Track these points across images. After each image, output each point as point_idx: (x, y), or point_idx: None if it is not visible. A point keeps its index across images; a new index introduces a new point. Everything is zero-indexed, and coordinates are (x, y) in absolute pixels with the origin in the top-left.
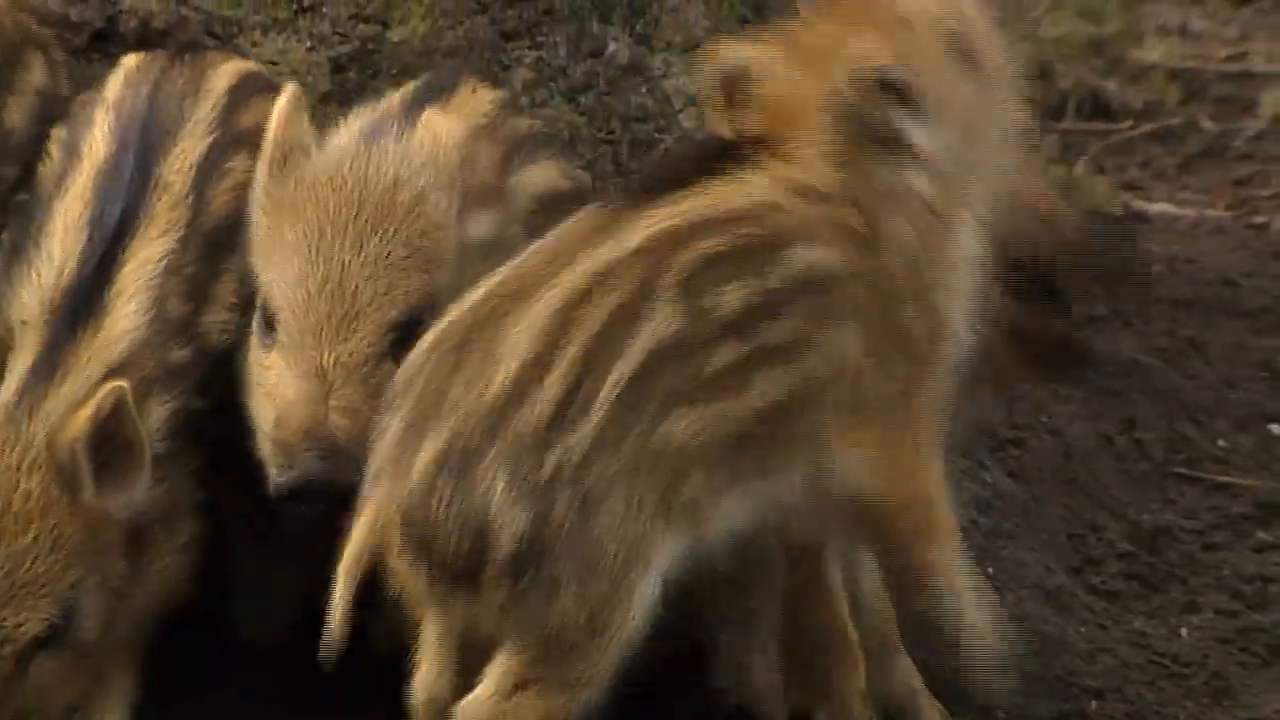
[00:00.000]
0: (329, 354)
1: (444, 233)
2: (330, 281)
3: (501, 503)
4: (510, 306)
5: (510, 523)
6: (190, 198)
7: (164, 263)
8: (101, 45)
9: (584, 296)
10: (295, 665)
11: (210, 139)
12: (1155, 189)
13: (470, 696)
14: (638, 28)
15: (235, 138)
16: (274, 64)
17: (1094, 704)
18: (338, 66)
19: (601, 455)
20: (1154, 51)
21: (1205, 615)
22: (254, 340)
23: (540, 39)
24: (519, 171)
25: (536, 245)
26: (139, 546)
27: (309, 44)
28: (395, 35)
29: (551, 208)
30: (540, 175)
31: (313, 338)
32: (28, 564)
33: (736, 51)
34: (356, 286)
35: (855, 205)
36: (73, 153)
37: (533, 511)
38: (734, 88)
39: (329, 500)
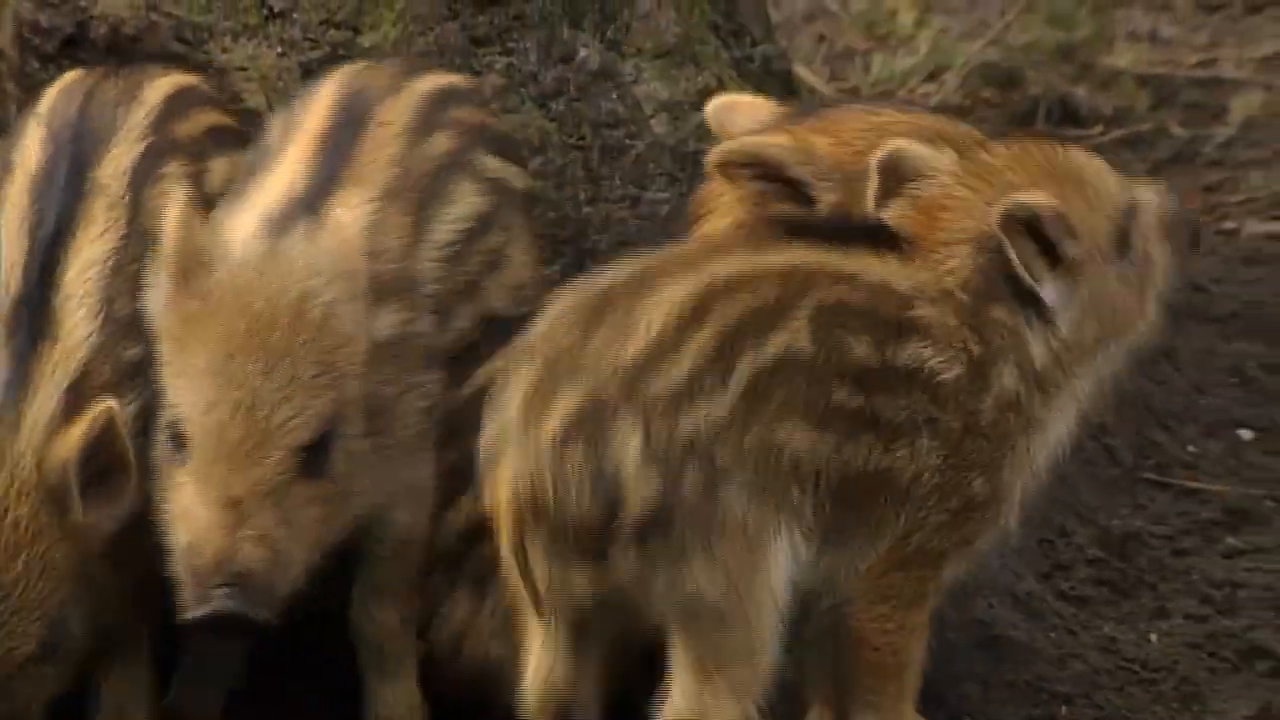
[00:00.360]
0: (241, 483)
1: (354, 344)
2: (241, 408)
3: (635, 463)
4: (650, 282)
5: (642, 485)
6: (127, 198)
7: (108, 263)
8: (72, 51)
9: (723, 290)
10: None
11: (144, 144)
12: None
13: (668, 707)
14: (608, 33)
15: (170, 144)
16: (244, 69)
17: (1063, 709)
18: (308, 72)
19: (730, 435)
20: (1123, 57)
21: (1175, 621)
22: (162, 452)
23: (511, 45)
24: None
25: (671, 247)
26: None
27: (279, 49)
28: (366, 40)
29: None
30: (461, 207)
31: (224, 466)
32: (19, 591)
33: (914, 149)
34: (268, 413)
35: (978, 336)
36: (5, 165)
37: (664, 476)
38: (899, 178)
39: (242, 633)
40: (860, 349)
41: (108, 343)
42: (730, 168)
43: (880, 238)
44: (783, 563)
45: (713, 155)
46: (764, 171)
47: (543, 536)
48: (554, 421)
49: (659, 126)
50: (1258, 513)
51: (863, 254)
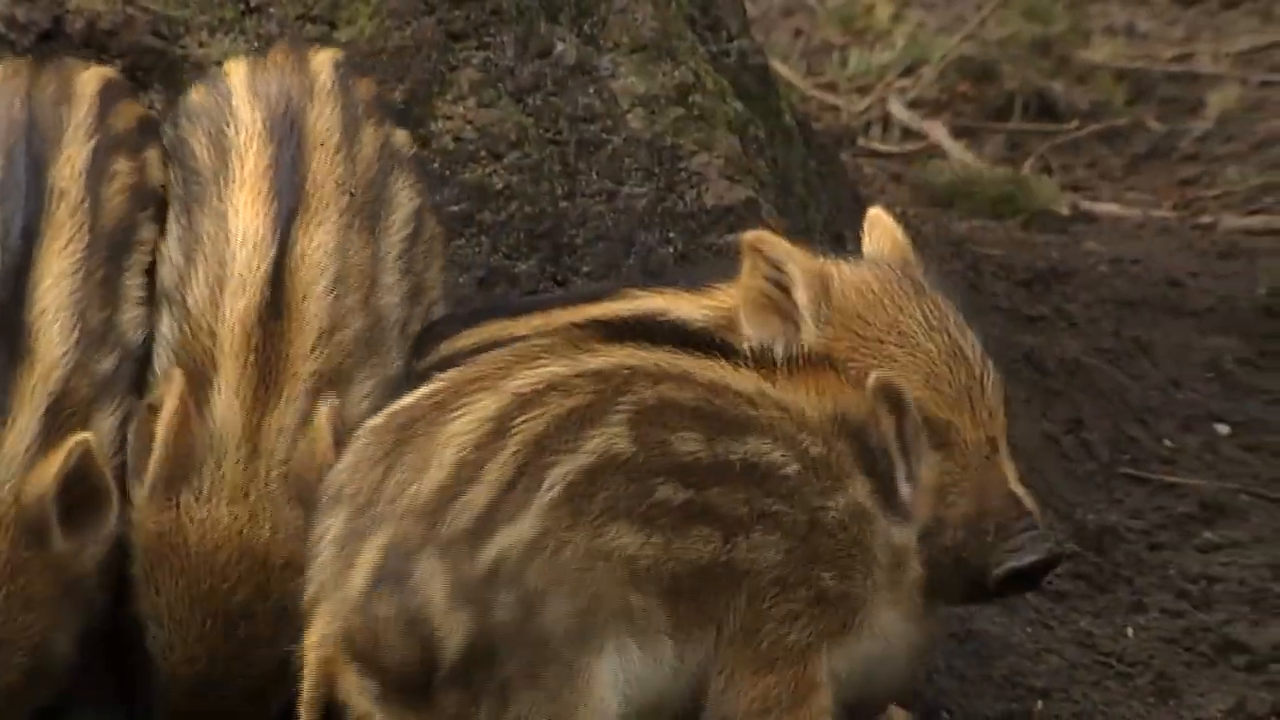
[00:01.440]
0: (195, 706)
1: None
2: (198, 661)
3: (442, 605)
4: (446, 408)
5: (454, 627)
6: (86, 202)
7: (78, 273)
8: (48, 46)
9: (528, 402)
10: None
11: (92, 142)
12: (1102, 189)
13: None
14: (585, 28)
15: (113, 140)
16: (220, 64)
17: (1040, 704)
18: None
19: (544, 553)
20: (1100, 51)
21: (1151, 615)
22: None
23: (487, 39)
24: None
25: (474, 361)
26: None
27: (256, 44)
28: (343, 35)
29: None
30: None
31: (180, 694)
32: (1, 620)
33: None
34: (225, 666)
35: (830, 456)
36: None
37: (475, 613)
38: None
39: None
40: (687, 446)
41: (83, 358)
42: (758, 254)
43: (725, 344)
44: (614, 679)
45: (753, 236)
46: (776, 278)
47: (370, 686)
48: (361, 572)
49: (635, 121)
50: (1234, 507)
51: (702, 356)
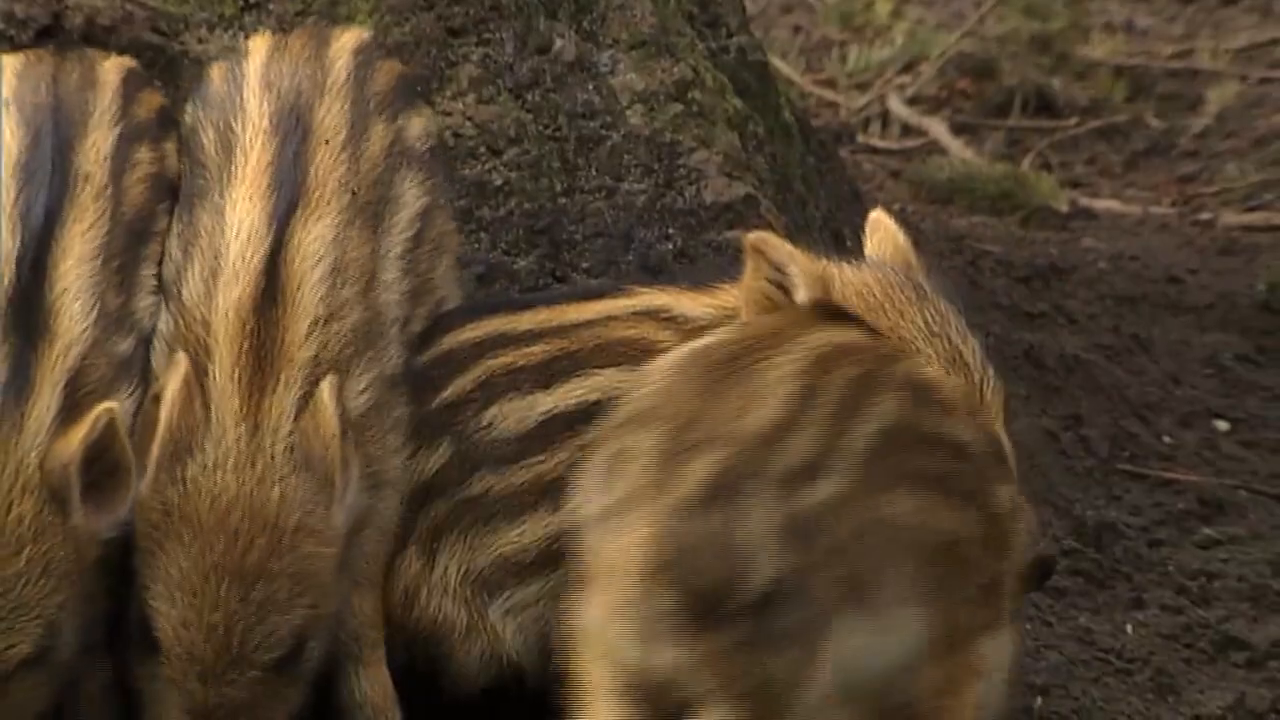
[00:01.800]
0: (213, 696)
1: (331, 553)
2: (216, 631)
3: (762, 536)
4: (759, 354)
5: (767, 560)
6: (109, 188)
7: (99, 257)
8: (46, 42)
9: (829, 359)
10: None
11: (117, 130)
12: (1101, 186)
13: None
14: (584, 24)
15: (136, 129)
16: (219, 59)
17: (1039, 700)
18: None
19: (847, 509)
20: (1099, 48)
21: (1150, 611)
22: (135, 641)
23: (487, 35)
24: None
25: (749, 322)
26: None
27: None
28: (345, 28)
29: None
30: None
31: (197, 681)
32: (19, 588)
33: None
34: (242, 636)
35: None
36: None
37: (788, 552)
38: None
39: None
40: (936, 417)
41: (101, 338)
42: (760, 256)
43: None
44: (863, 647)
45: (756, 237)
46: (778, 279)
47: (662, 597)
48: (689, 485)
49: (635, 117)
50: (1233, 503)
51: None
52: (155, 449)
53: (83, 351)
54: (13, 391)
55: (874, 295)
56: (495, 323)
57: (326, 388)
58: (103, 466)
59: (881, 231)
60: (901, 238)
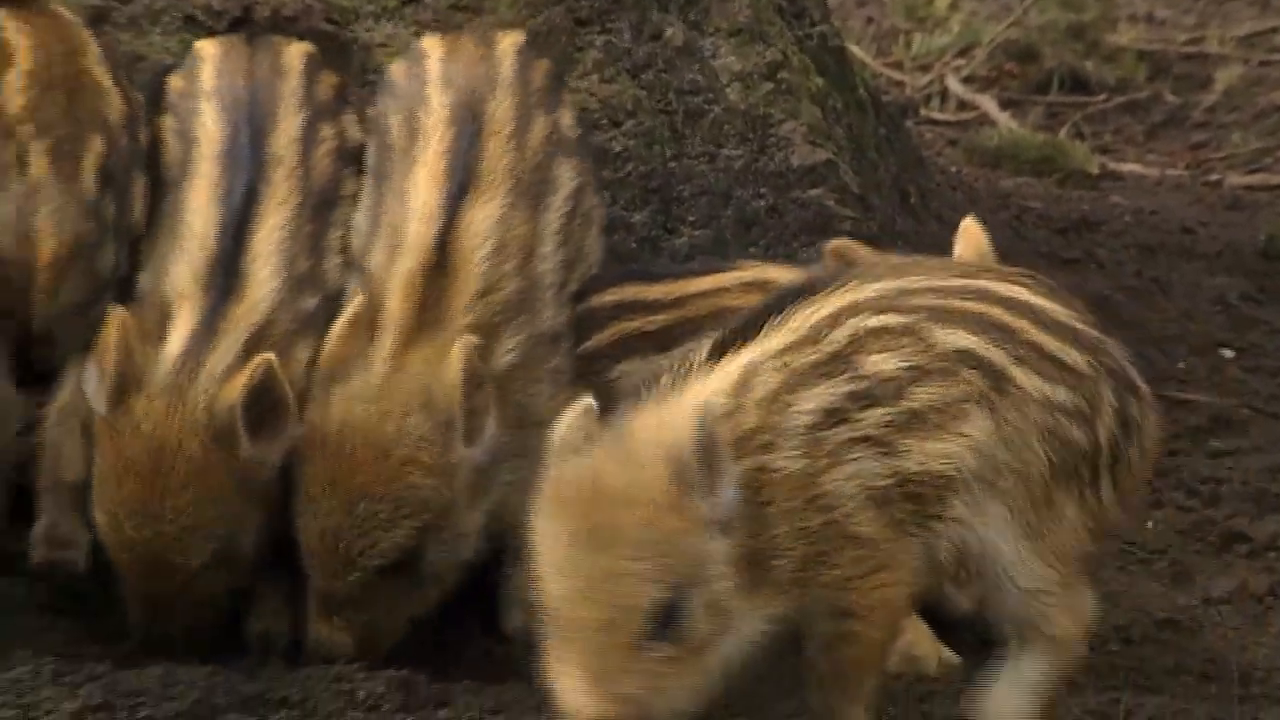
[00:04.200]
0: (327, 588)
1: (441, 483)
2: (326, 536)
3: None
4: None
5: None
6: (299, 167)
7: (289, 226)
8: (238, 30)
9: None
10: None
11: (303, 113)
12: (1126, 152)
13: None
14: (691, 15)
15: (318, 110)
16: (384, 45)
17: None
18: None
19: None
20: (1125, 36)
21: (1167, 510)
22: None
23: (609, 25)
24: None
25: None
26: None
27: (414, 29)
28: (487, 20)
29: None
30: (564, 190)
31: (317, 573)
32: (192, 511)
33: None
34: (347, 544)
35: None
36: (188, 139)
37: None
38: None
39: None
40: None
41: (288, 297)
42: (840, 257)
43: None
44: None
45: (836, 243)
46: None
47: None
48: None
49: (733, 94)
50: (1237, 420)
51: None
52: (321, 364)
53: (269, 309)
54: (198, 344)
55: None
56: (631, 290)
57: (458, 346)
58: (265, 406)
59: (968, 236)
60: (985, 241)
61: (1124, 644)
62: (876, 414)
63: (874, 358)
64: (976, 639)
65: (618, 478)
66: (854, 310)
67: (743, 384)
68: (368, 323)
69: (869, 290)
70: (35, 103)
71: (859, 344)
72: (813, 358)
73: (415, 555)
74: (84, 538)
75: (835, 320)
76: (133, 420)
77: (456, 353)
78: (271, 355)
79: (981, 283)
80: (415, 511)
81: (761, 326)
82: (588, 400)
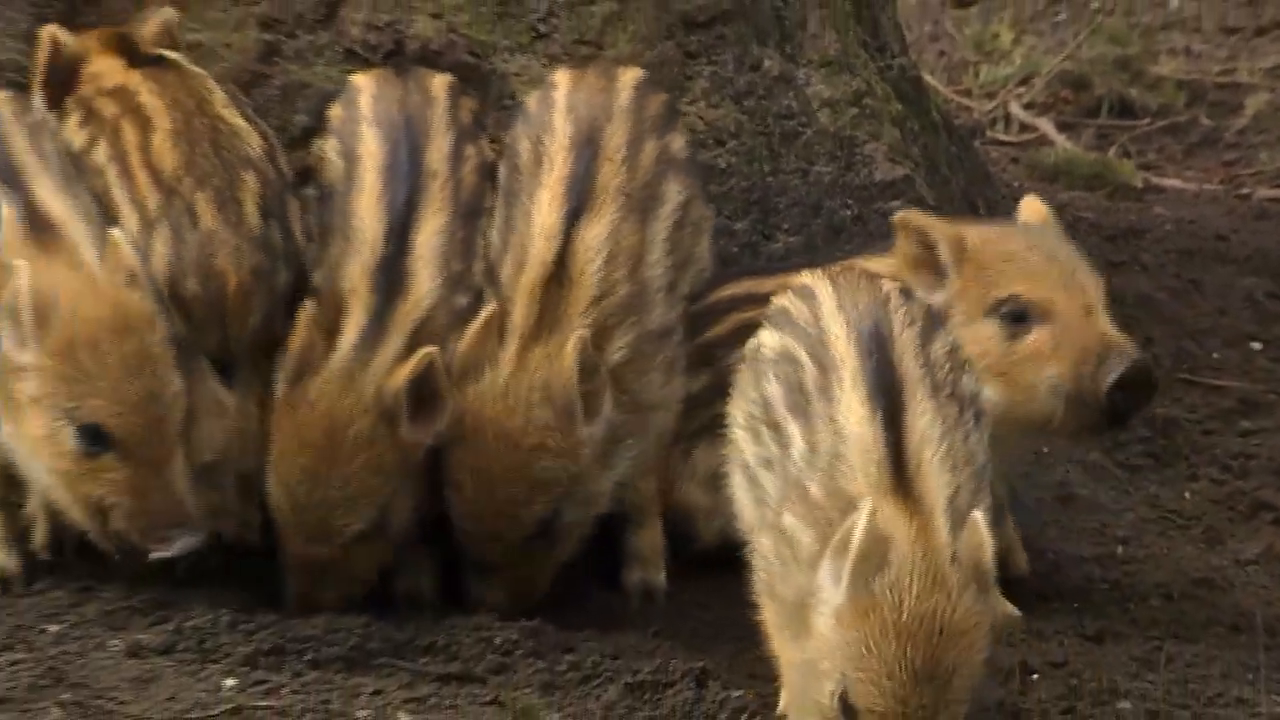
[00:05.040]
0: (481, 552)
1: (567, 463)
2: (477, 512)
3: None
4: None
5: None
6: (451, 180)
7: (445, 232)
8: (390, 62)
9: None
10: None
11: (451, 134)
12: (1167, 169)
13: None
14: (786, 49)
15: (462, 131)
16: (518, 75)
17: (1120, 548)
18: None
19: None
20: (1165, 67)
21: (1203, 483)
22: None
23: (715, 58)
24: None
25: None
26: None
27: (544, 61)
28: (609, 54)
29: None
30: (672, 203)
31: (474, 540)
32: (356, 482)
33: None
34: (494, 518)
35: None
36: (351, 157)
37: None
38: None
39: None
40: None
41: (445, 295)
42: (907, 228)
43: None
44: None
45: (902, 214)
46: (923, 241)
47: None
48: None
49: (823, 118)
50: (1264, 404)
51: None
52: (456, 363)
53: (430, 306)
54: (369, 336)
55: (993, 237)
56: (747, 284)
57: (570, 344)
58: (425, 394)
59: (1030, 206)
60: (1044, 208)
61: (1164, 600)
62: None
63: None
64: (1035, 594)
65: None
66: None
67: None
68: (498, 328)
69: None
70: (187, 158)
71: None
72: None
73: (553, 521)
74: (248, 511)
75: None
76: (309, 399)
77: (569, 347)
78: (434, 349)
79: None
80: (548, 488)
81: None
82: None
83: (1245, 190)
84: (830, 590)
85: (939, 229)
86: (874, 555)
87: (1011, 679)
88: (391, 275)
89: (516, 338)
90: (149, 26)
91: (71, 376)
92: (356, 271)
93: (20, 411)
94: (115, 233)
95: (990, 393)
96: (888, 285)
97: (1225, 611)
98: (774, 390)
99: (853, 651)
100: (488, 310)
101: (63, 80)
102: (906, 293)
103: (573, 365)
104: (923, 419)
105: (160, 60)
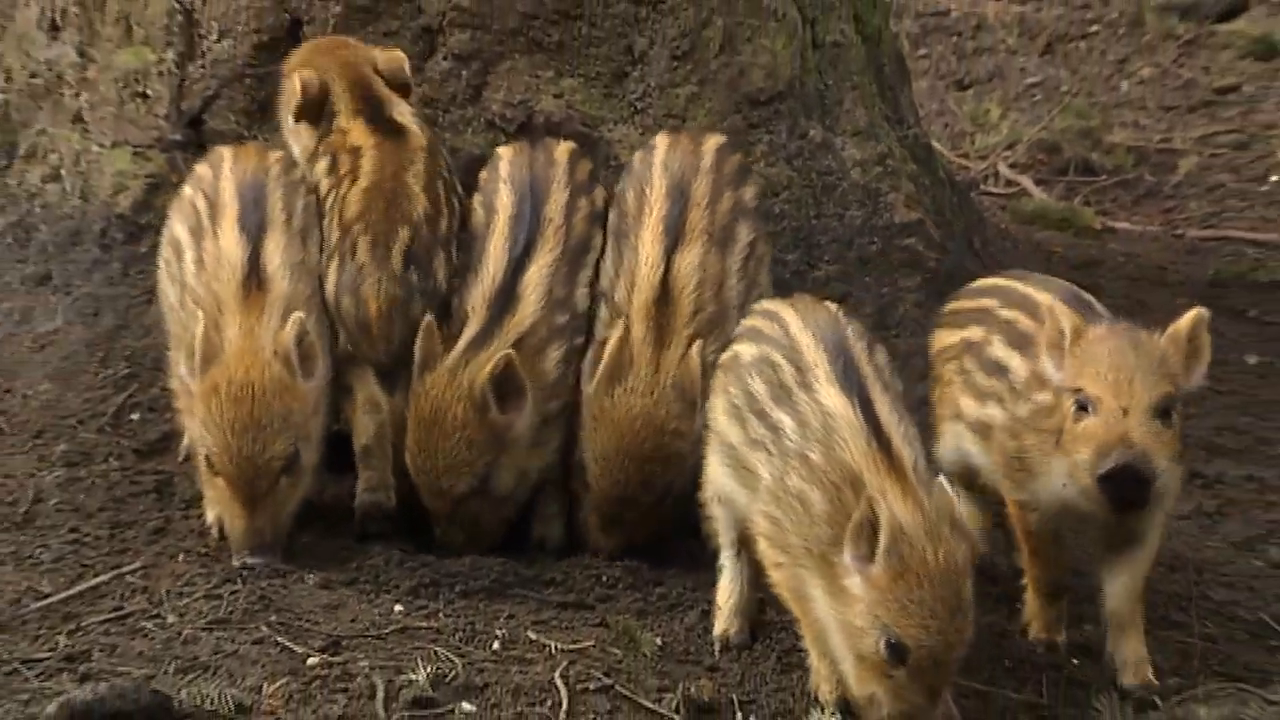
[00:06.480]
0: (613, 520)
1: (688, 444)
2: (617, 484)
3: None
4: None
5: None
6: (563, 228)
7: (551, 266)
8: (523, 131)
9: None
10: None
11: (567, 190)
12: (1119, 215)
13: None
14: (826, 121)
15: (577, 188)
16: (620, 142)
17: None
18: None
19: None
20: (1119, 136)
21: None
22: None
23: (771, 129)
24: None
25: None
26: (539, 438)
27: (640, 131)
28: (690, 123)
29: None
30: (743, 241)
31: (607, 505)
32: (456, 453)
33: None
34: (630, 489)
35: None
36: (490, 209)
37: None
38: None
39: None
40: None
41: (546, 315)
42: (1050, 313)
43: None
44: None
45: (1050, 301)
46: (1055, 327)
47: None
48: None
49: (855, 175)
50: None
51: None
52: (600, 371)
53: (531, 323)
54: (476, 343)
55: (1095, 336)
56: None
57: (695, 350)
58: (508, 387)
59: (1191, 317)
60: (1196, 316)
61: None
62: None
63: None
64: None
65: None
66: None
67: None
68: (627, 339)
69: None
70: (365, 208)
71: None
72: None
73: (671, 487)
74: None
75: None
76: (425, 390)
77: (694, 354)
78: (511, 351)
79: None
80: (676, 464)
81: None
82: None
83: (1179, 231)
84: (859, 565)
85: (1068, 319)
86: (893, 531)
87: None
88: (504, 298)
89: (646, 347)
90: (384, 65)
91: (203, 417)
92: (478, 297)
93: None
94: (298, 315)
95: (1059, 463)
96: (834, 308)
97: (1163, 555)
98: (758, 386)
99: (894, 607)
100: (619, 329)
101: (315, 110)
102: (850, 314)
103: (698, 369)
104: (884, 407)
105: (394, 126)
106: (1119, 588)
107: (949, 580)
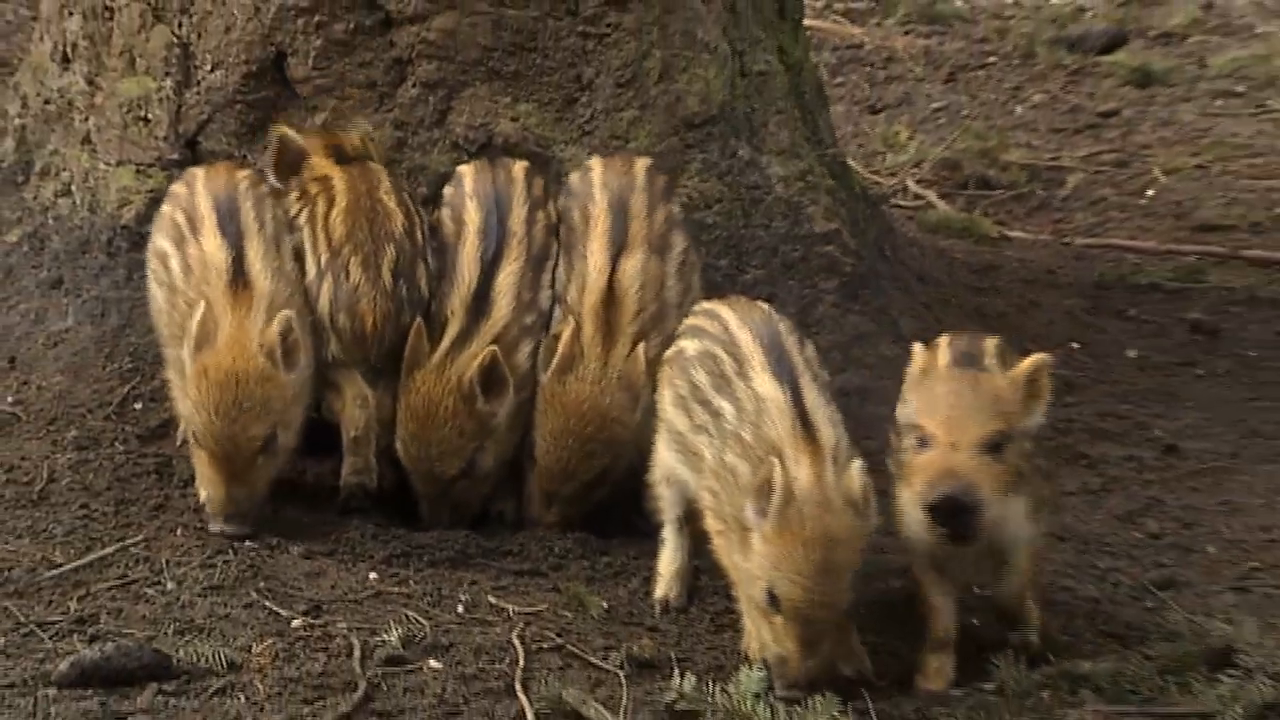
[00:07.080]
0: (552, 488)
1: (630, 432)
2: (560, 461)
3: None
4: None
5: None
6: (525, 239)
7: (518, 273)
8: (483, 151)
9: None
10: None
11: (526, 205)
12: (1014, 225)
13: None
14: (754, 142)
15: (534, 201)
16: (569, 160)
17: None
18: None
19: None
20: (1013, 155)
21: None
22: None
23: (705, 149)
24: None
25: None
26: (513, 423)
27: (587, 151)
28: (632, 146)
29: None
30: (678, 250)
31: (548, 482)
32: (446, 442)
33: None
34: (572, 465)
35: None
36: (459, 221)
37: None
38: None
39: None
40: None
41: (517, 316)
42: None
43: None
44: None
45: (917, 345)
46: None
47: None
48: None
49: (779, 189)
50: (1080, 385)
51: None
52: (555, 362)
53: (504, 324)
54: (460, 343)
55: (939, 378)
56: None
57: (642, 347)
58: (492, 379)
59: (1030, 363)
60: (1031, 364)
61: None
62: None
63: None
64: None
65: None
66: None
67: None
68: (577, 335)
69: None
70: (350, 229)
71: None
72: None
73: (611, 468)
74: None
75: None
76: (416, 386)
77: (640, 354)
78: (496, 348)
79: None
80: (615, 447)
81: None
82: None
83: (1067, 239)
84: (756, 520)
85: (919, 357)
86: (786, 494)
87: None
88: (480, 302)
89: (595, 343)
90: (352, 137)
91: (193, 398)
92: (456, 301)
93: None
94: (286, 314)
95: (904, 496)
96: (767, 307)
97: (1054, 527)
98: (701, 378)
99: (775, 560)
100: (569, 326)
101: (292, 166)
102: (780, 313)
103: (643, 366)
104: (811, 394)
105: (357, 160)
106: (1000, 597)
107: (826, 545)
